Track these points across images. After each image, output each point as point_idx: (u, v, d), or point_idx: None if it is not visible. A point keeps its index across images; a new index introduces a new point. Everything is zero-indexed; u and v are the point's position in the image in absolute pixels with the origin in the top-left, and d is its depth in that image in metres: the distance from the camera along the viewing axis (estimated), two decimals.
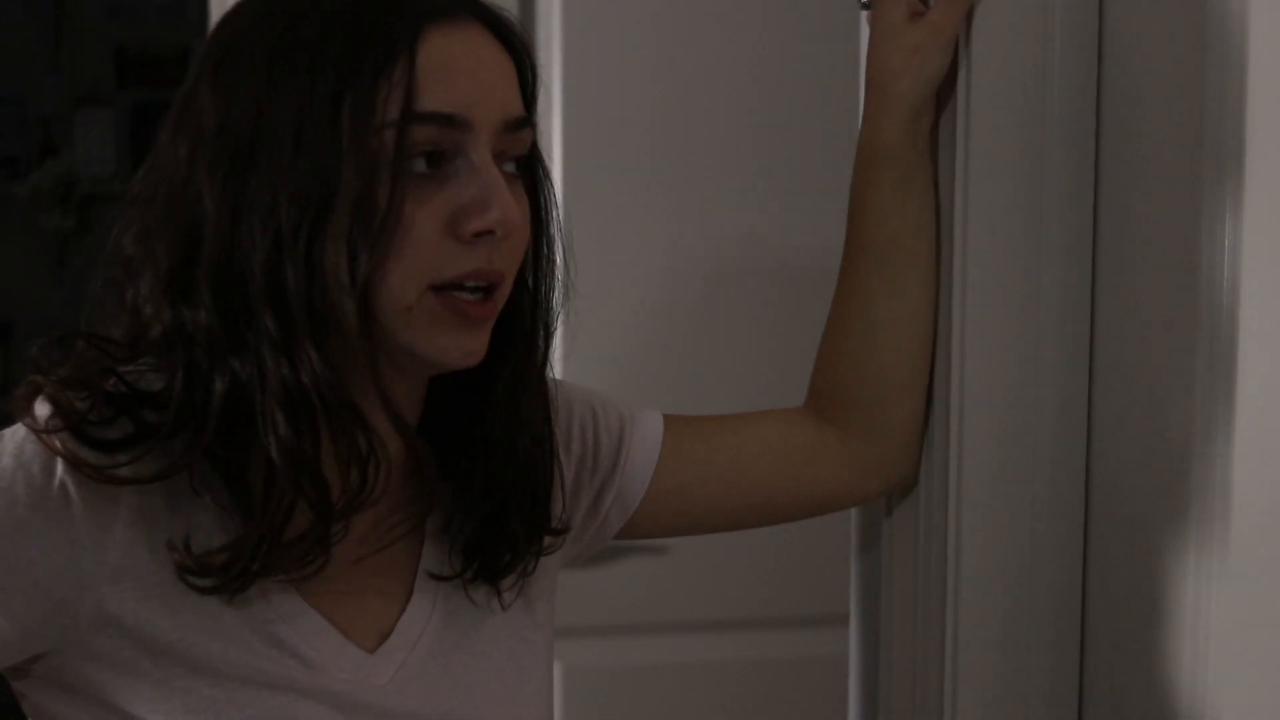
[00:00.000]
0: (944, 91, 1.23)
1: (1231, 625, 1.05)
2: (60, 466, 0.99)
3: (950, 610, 1.24)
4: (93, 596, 1.00)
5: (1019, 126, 1.20)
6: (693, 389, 2.03)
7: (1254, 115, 1.01)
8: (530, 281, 1.10)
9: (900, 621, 1.32)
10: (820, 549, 1.75)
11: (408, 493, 1.09)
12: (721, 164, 2.06)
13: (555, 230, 1.12)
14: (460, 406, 1.11)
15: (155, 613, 1.01)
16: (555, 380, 1.17)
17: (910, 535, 1.30)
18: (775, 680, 2.12)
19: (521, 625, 1.16)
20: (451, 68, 1.01)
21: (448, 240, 1.01)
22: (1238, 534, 1.04)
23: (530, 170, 1.09)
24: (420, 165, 1.00)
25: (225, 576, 1.00)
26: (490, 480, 1.11)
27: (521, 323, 1.10)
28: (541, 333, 1.11)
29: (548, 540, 1.15)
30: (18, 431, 1.01)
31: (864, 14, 1.27)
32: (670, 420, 1.26)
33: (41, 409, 1.00)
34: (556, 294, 1.12)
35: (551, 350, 1.13)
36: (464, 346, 1.04)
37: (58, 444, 0.98)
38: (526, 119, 1.06)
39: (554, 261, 1.12)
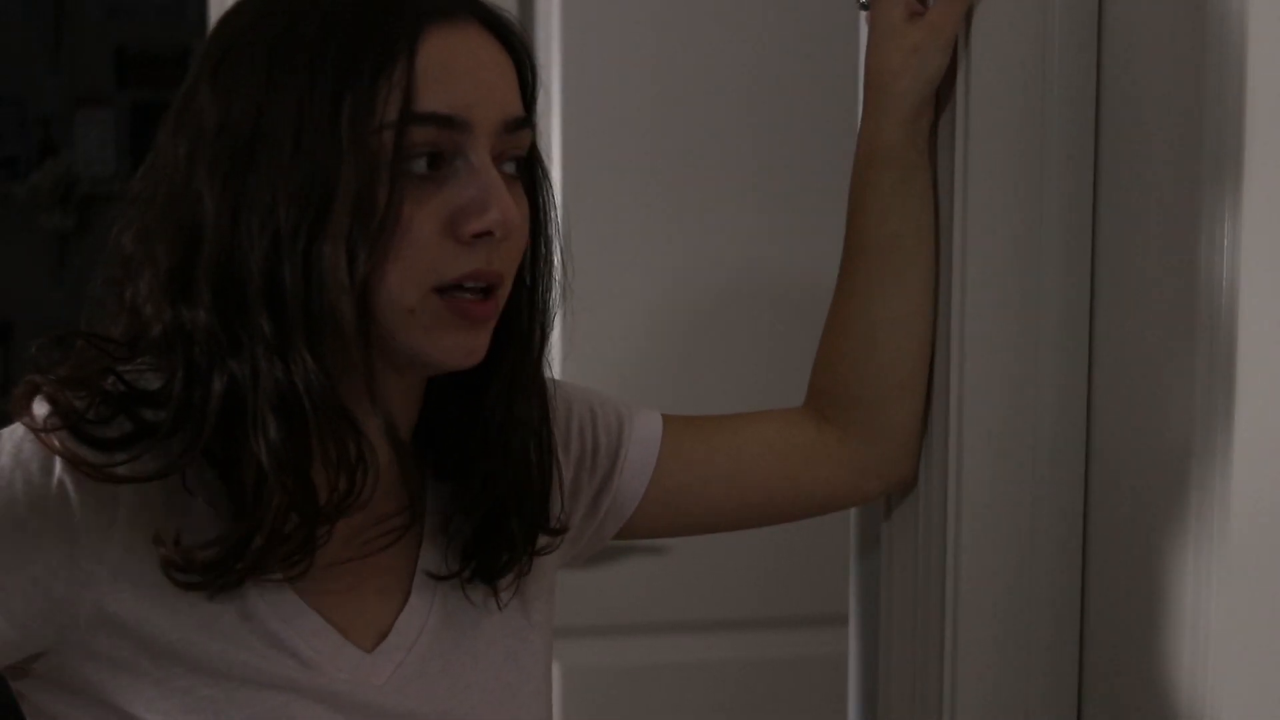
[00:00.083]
0: (943, 91, 1.23)
1: (1231, 625, 1.05)
2: (59, 465, 0.99)
3: (950, 610, 1.24)
4: (92, 595, 1.00)
5: (1018, 126, 1.20)
6: (692, 389, 2.03)
7: (1253, 115, 1.01)
8: (528, 282, 1.10)
9: (900, 621, 1.32)
10: (820, 549, 1.75)
11: (400, 496, 1.09)
12: (720, 164, 2.06)
13: (554, 231, 1.12)
14: (458, 406, 1.11)
15: (154, 612, 1.01)
16: (554, 380, 1.16)
17: (910, 535, 1.30)
18: (775, 680, 2.12)
19: (519, 625, 1.16)
20: (451, 68, 1.01)
21: (446, 241, 1.01)
22: (1237, 534, 1.04)
23: (529, 171, 1.09)
24: (419, 166, 1.00)
25: (210, 574, 1.00)
26: (488, 480, 1.10)
27: (519, 323, 1.10)
28: (538, 333, 1.11)
29: (546, 540, 1.15)
30: (16, 431, 1.01)
31: (863, 14, 1.27)
32: (669, 420, 1.26)
33: (40, 408, 1.00)
34: (554, 294, 1.12)
35: (549, 350, 1.13)
36: (466, 346, 1.04)
37: (56, 443, 0.98)
38: (526, 119, 1.06)
39: (552, 262, 1.12)
